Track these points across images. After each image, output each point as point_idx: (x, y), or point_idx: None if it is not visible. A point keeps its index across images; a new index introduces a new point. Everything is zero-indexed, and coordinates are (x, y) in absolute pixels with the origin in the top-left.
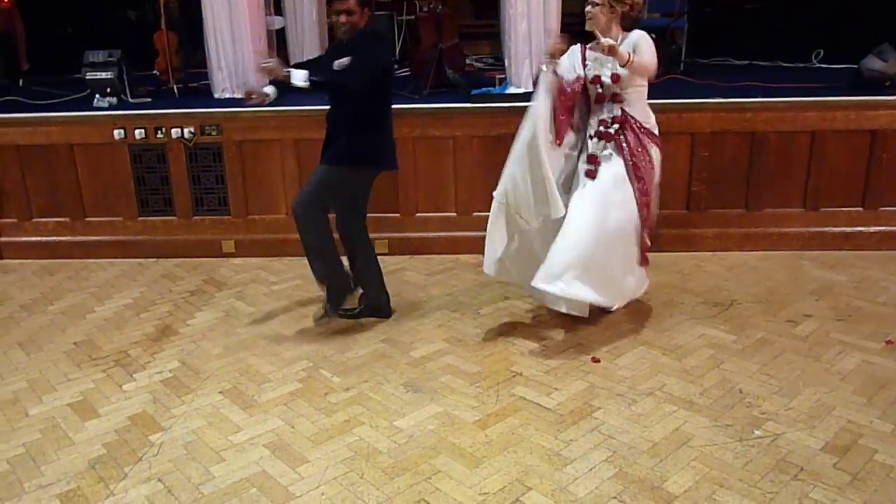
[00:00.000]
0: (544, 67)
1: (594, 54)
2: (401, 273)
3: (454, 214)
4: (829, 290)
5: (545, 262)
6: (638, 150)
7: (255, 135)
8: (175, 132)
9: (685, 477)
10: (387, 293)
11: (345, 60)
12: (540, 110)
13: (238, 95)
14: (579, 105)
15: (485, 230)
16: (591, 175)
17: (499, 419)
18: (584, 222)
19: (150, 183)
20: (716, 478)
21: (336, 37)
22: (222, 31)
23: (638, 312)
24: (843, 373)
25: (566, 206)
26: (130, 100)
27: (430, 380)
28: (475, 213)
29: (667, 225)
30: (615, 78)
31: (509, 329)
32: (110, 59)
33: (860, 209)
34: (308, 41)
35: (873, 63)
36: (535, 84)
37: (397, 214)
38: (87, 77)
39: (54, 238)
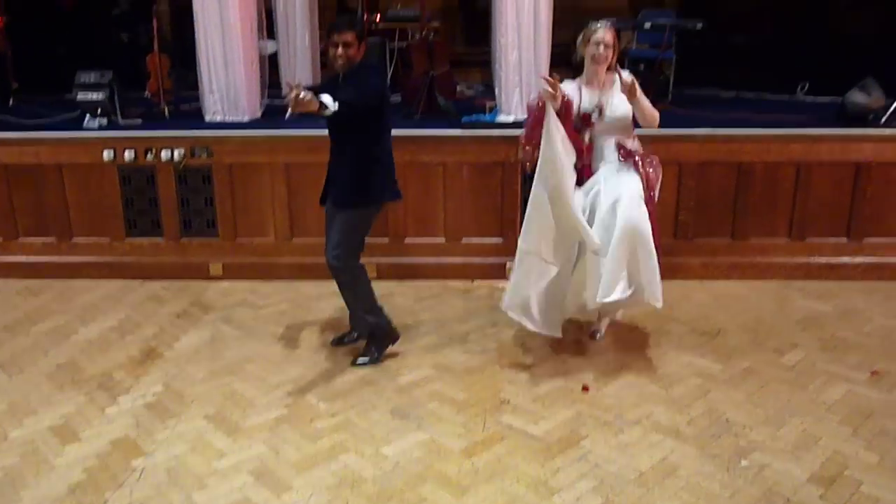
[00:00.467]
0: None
1: (589, 91)
2: (389, 298)
3: (443, 240)
4: (814, 320)
5: (603, 279)
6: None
7: (246, 158)
8: (165, 154)
9: None
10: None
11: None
12: (557, 146)
13: (229, 119)
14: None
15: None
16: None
17: (485, 447)
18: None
19: (139, 204)
20: None
21: (329, 64)
22: (215, 55)
23: (625, 340)
24: (829, 403)
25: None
26: (121, 121)
27: (417, 406)
28: (464, 239)
29: None
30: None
31: (497, 356)
32: (102, 80)
33: (845, 240)
34: (300, 66)
35: (857, 97)
36: (532, 114)
37: (386, 239)
38: (78, 98)
39: (40, 258)
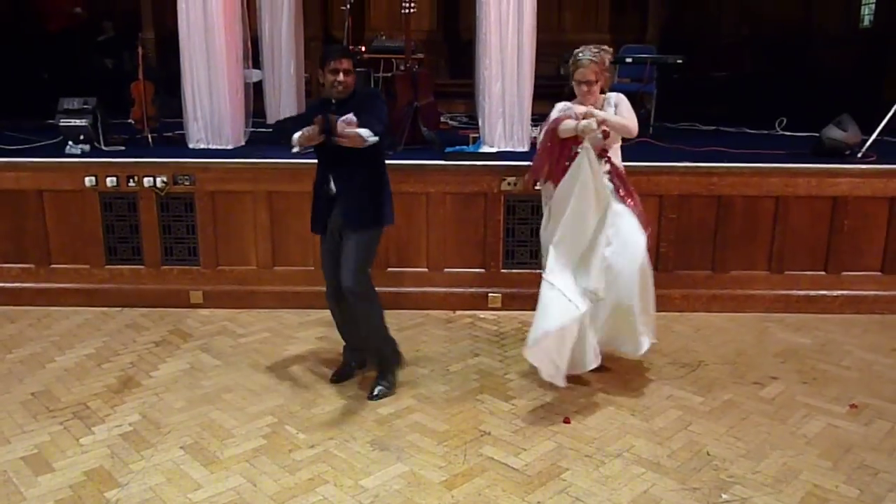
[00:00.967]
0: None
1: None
2: None
3: (426, 270)
4: (794, 352)
5: (637, 324)
6: (628, 192)
7: (228, 186)
8: (147, 181)
9: None
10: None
11: (349, 117)
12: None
13: (213, 146)
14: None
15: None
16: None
17: (466, 479)
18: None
19: (120, 231)
20: None
21: (314, 92)
22: (199, 83)
23: (606, 372)
24: (809, 436)
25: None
26: (104, 147)
27: (397, 438)
28: (446, 269)
29: None
30: (605, 135)
31: (478, 387)
32: (85, 106)
33: (823, 273)
34: (285, 95)
35: (833, 132)
36: (534, 144)
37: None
38: (61, 123)
39: (18, 284)
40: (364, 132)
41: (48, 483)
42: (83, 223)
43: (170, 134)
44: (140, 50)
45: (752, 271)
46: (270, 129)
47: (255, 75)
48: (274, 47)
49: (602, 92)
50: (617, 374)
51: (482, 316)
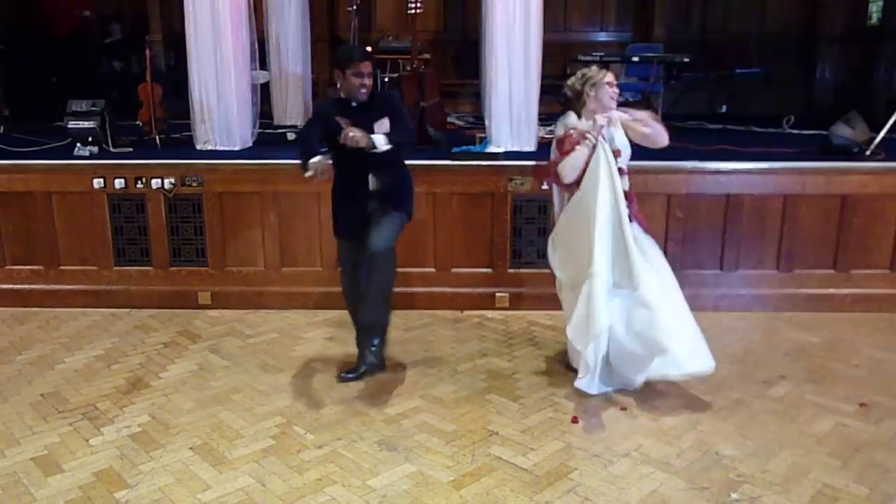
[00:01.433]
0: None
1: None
2: None
3: (433, 270)
4: (803, 351)
5: (695, 345)
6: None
7: (237, 187)
8: (155, 182)
9: None
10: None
11: (385, 121)
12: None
13: (221, 148)
14: None
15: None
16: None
17: (474, 479)
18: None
19: (128, 232)
20: None
21: (321, 93)
22: (207, 84)
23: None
24: (819, 435)
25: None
26: (112, 149)
27: (405, 438)
28: (454, 270)
29: None
30: (616, 153)
31: (486, 387)
32: (94, 108)
33: (832, 271)
34: (292, 96)
35: (842, 130)
36: (563, 146)
37: None
38: (70, 126)
39: (27, 286)
40: (380, 140)
41: (58, 484)
42: (92, 225)
43: (178, 135)
44: (148, 52)
45: (760, 270)
46: (296, 139)
47: (262, 76)
48: (281, 48)
49: None
50: None
51: (490, 316)
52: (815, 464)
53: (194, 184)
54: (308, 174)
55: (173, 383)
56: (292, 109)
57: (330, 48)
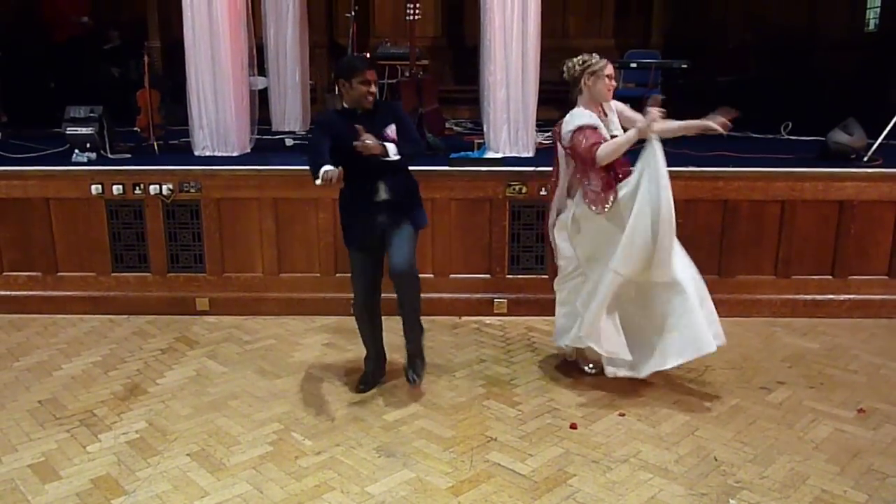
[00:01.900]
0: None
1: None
2: None
3: (431, 276)
4: (801, 357)
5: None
6: None
7: (234, 193)
8: (153, 188)
9: None
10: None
11: (393, 128)
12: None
13: (219, 154)
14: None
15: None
16: None
17: (472, 486)
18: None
19: (126, 239)
20: None
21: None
22: (205, 90)
23: (612, 378)
24: (817, 441)
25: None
26: (110, 155)
27: (404, 444)
28: (452, 275)
29: None
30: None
31: (484, 393)
32: (92, 114)
33: (830, 277)
34: (290, 102)
35: (839, 136)
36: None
37: None
38: (68, 132)
39: (25, 292)
40: (392, 149)
41: (55, 491)
42: (89, 231)
43: (176, 142)
44: (146, 58)
45: (758, 276)
46: (305, 147)
47: (260, 83)
48: (279, 54)
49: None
50: (622, 379)
51: (488, 322)
52: (814, 470)
53: (192, 190)
54: (320, 182)
55: (171, 389)
56: (290, 115)
57: (328, 54)
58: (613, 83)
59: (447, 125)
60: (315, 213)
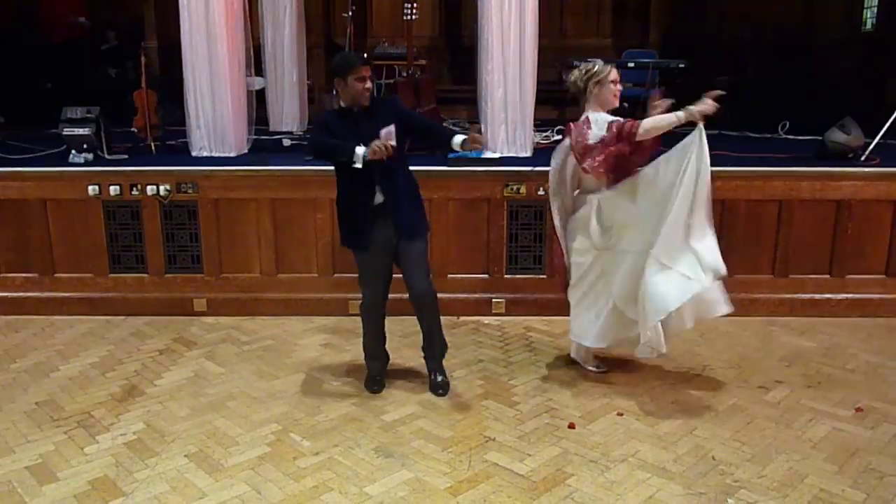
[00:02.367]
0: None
1: None
2: None
3: None
4: (799, 356)
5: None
6: None
7: (232, 193)
8: (150, 189)
9: None
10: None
11: (391, 128)
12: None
13: (216, 154)
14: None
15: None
16: None
17: (471, 486)
18: None
19: (123, 240)
20: None
21: (317, 100)
22: (202, 91)
23: (610, 377)
24: (815, 440)
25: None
26: (107, 156)
27: (402, 444)
28: (450, 275)
29: None
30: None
31: (482, 393)
32: (88, 115)
33: (827, 276)
34: (287, 102)
35: (837, 136)
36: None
37: None
38: (64, 133)
39: (22, 294)
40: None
41: (53, 493)
42: (87, 232)
43: (173, 142)
44: (143, 59)
45: (756, 275)
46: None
47: (257, 83)
48: (276, 55)
49: None
50: (621, 378)
51: (486, 321)
52: (812, 469)
53: (189, 190)
54: (366, 159)
55: (169, 390)
56: (288, 116)
57: (325, 54)
58: (619, 87)
59: (445, 125)
60: (313, 213)
